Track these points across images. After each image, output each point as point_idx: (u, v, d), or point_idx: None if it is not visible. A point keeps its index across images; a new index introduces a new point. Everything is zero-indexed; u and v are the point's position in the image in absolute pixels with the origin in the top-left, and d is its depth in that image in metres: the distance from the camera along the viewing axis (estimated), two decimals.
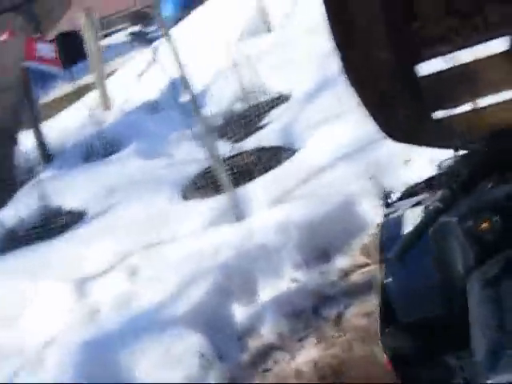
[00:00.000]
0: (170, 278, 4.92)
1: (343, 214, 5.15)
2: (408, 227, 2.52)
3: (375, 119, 3.09)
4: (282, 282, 4.79)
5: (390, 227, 2.75)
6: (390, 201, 3.81)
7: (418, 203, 2.86)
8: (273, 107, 8.12)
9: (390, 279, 2.43)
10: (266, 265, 4.88)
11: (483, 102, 3.19)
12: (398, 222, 2.71)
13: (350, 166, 5.70)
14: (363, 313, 4.41)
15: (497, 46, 3.34)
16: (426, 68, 3.28)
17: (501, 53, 3.21)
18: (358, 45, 3.02)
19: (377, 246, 2.82)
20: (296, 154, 6.54)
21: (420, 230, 2.20)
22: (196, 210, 6.01)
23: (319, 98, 7.56)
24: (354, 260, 4.86)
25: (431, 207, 2.21)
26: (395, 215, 2.84)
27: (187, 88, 5.45)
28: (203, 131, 5.90)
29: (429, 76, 3.22)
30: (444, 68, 3.26)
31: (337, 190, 5.41)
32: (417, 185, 3.23)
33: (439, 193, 2.26)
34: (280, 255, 4.91)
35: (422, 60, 3.20)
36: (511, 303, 1.92)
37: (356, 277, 4.74)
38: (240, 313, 4.64)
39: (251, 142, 7.19)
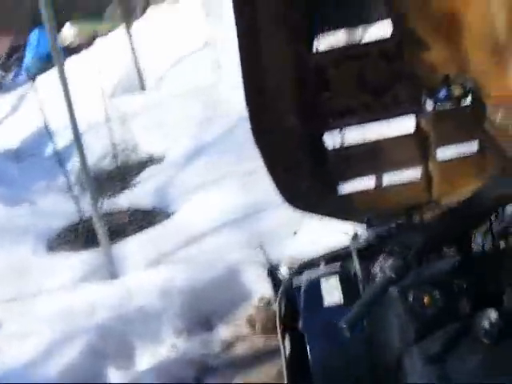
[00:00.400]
0: (39, 335, 4.54)
1: (226, 281, 4.97)
2: (329, 297, 2.41)
3: (277, 185, 2.99)
4: (162, 348, 4.52)
5: (305, 297, 2.60)
6: (288, 271, 3.69)
7: (330, 273, 2.74)
8: (144, 168, 7.91)
9: (310, 351, 2.27)
10: (145, 329, 4.60)
11: (388, 180, 3.15)
12: (315, 292, 2.57)
13: (233, 234, 5.56)
14: None
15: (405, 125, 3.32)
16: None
17: (407, 134, 3.20)
18: (268, 109, 2.94)
19: (278, 317, 2.69)
20: (171, 217, 6.34)
21: (372, 299, 2.08)
22: (64, 263, 5.66)
23: (194, 163, 7.43)
24: (238, 330, 4.66)
25: (382, 276, 2.10)
26: (307, 285, 2.70)
27: (77, 136, 5.15)
28: (85, 183, 5.59)
29: (336, 150, 3.15)
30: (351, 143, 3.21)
31: (219, 257, 5.23)
32: (317, 257, 3.12)
33: (390, 262, 2.14)
34: (160, 320, 4.65)
35: (330, 129, 3.14)
36: (458, 381, 1.86)
37: (240, 348, 4.54)
38: (116, 378, 4.32)
39: (121, 201, 6.91)
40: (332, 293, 2.46)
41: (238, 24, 2.71)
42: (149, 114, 8.68)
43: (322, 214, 3.19)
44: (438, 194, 3.21)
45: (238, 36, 2.71)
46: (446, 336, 1.97)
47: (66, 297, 4.91)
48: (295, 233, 5.36)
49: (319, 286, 2.57)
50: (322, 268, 2.87)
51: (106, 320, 4.62)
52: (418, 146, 3.20)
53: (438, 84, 3.08)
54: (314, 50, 3.10)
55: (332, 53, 3.16)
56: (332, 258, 3.04)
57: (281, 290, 2.90)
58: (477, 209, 2.18)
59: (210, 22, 9.97)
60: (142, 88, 9.72)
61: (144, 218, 6.50)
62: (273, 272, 3.81)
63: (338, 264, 2.85)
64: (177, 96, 8.98)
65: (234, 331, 4.65)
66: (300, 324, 2.52)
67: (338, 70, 3.09)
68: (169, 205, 6.67)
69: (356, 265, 2.61)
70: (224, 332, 4.66)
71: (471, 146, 3.16)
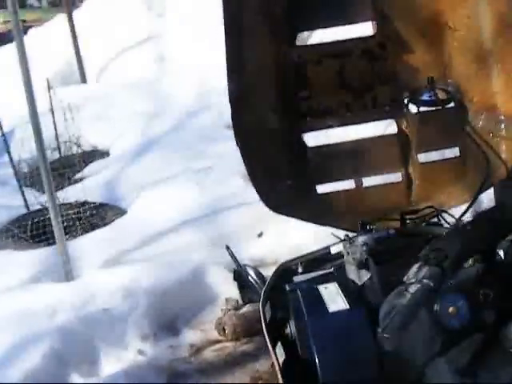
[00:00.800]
0: None
1: (191, 283, 4.77)
2: (333, 305, 2.34)
3: (256, 186, 2.88)
4: (128, 352, 4.29)
5: (305, 304, 2.48)
6: (264, 275, 3.55)
7: (326, 279, 2.63)
8: (89, 161, 7.62)
9: (320, 357, 2.18)
10: (110, 331, 4.35)
11: (368, 181, 3.04)
12: (314, 298, 2.43)
13: (193, 234, 5.37)
14: None
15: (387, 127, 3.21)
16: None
17: (388, 135, 3.09)
18: (250, 107, 2.83)
19: (266, 323, 2.58)
20: (124, 214, 6.09)
21: (413, 308, 1.99)
22: (13, 261, 5.36)
23: (141, 159, 7.20)
24: (206, 335, 4.47)
25: (421, 285, 2.01)
26: (304, 291, 2.58)
27: (35, 123, 4.86)
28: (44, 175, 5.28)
29: (315, 148, 3.03)
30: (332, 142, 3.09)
31: (181, 258, 5.02)
32: (296, 259, 3.01)
33: (426, 270, 2.06)
34: (125, 322, 4.41)
35: (310, 130, 3.03)
36: None
37: (209, 354, 4.34)
38: None
39: (66, 195, 6.59)
40: (335, 300, 2.37)
41: (225, 20, 2.67)
42: (93, 106, 8.41)
43: (301, 218, 3.07)
44: (418, 197, 3.12)
45: (224, 33, 2.68)
46: (473, 347, 1.92)
47: (23, 297, 4.62)
48: (260, 235, 5.21)
49: (317, 292, 2.47)
50: (314, 273, 2.75)
51: (67, 323, 4.35)
52: (400, 148, 3.11)
53: (419, 87, 3.01)
54: (296, 46, 3.00)
55: (313, 49, 3.05)
56: (312, 260, 2.92)
57: (263, 294, 2.75)
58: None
59: (152, 17, 9.77)
60: (84, 80, 9.43)
61: (94, 214, 6.23)
62: (240, 274, 3.66)
63: (332, 268, 2.73)
64: (122, 88, 8.74)
65: (203, 336, 4.46)
66: (294, 330, 2.40)
67: (319, 67, 2.98)
68: (119, 201, 6.43)
69: (354, 271, 2.51)
70: (191, 336, 4.46)
71: (452, 151, 3.07)
